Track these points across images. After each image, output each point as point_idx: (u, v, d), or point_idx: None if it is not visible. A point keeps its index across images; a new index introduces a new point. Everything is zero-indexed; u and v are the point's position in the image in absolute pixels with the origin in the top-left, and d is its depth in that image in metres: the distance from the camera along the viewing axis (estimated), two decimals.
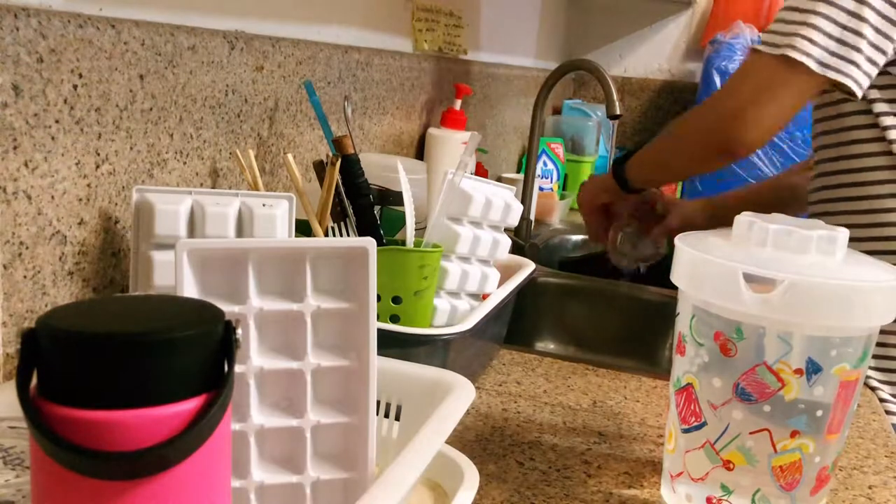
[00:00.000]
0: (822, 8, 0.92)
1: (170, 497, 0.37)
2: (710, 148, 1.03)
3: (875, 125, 1.01)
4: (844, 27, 0.92)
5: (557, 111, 2.35)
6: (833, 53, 0.92)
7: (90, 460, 0.35)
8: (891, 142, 1.00)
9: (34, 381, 0.37)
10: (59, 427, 0.35)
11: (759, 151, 2.13)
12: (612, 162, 1.25)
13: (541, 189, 1.84)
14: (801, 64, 0.93)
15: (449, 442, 0.56)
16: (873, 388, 1.02)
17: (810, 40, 0.92)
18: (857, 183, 1.05)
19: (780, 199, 1.30)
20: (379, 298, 0.76)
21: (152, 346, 0.36)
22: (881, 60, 0.94)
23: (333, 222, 0.82)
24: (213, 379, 0.39)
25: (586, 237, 1.42)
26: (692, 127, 1.08)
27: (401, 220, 0.85)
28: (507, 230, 0.92)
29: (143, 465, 0.36)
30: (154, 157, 0.77)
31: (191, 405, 0.37)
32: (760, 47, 0.97)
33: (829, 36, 0.92)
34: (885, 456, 0.81)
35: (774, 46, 0.95)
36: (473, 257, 0.87)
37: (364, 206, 0.83)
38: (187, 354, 0.37)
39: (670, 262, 0.66)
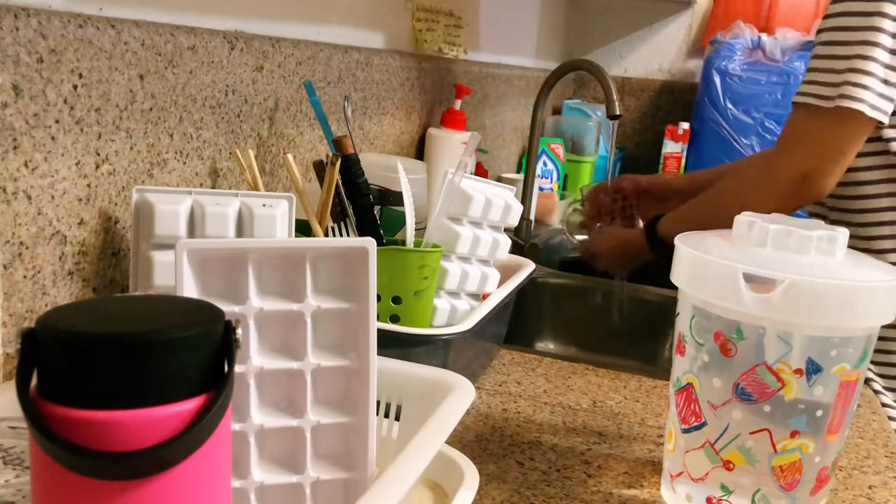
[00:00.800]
0: (867, 51, 0.92)
1: (170, 497, 0.37)
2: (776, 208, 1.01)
3: (878, 138, 1.01)
4: (888, 66, 0.92)
5: (557, 111, 2.35)
6: (881, 95, 0.93)
7: (90, 460, 0.35)
8: (893, 154, 1.00)
9: (34, 381, 0.37)
10: (59, 427, 0.35)
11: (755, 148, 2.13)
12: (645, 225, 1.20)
13: (541, 189, 1.84)
14: (855, 112, 0.93)
15: (449, 442, 0.56)
16: (876, 392, 1.02)
17: (862, 86, 0.93)
18: (857, 196, 1.05)
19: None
20: (379, 298, 0.76)
21: (152, 346, 0.36)
22: None
23: (333, 222, 0.82)
24: (213, 379, 0.39)
25: (586, 238, 1.40)
26: (752, 195, 1.02)
27: (401, 220, 0.85)
28: (507, 230, 0.92)
29: (143, 465, 0.36)
30: (154, 157, 0.77)
31: (191, 405, 0.37)
32: (810, 101, 0.96)
33: (877, 77, 0.93)
34: (885, 456, 0.81)
35: (825, 99, 0.95)
36: (473, 257, 0.87)
37: (364, 206, 0.83)
38: (187, 354, 0.37)
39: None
